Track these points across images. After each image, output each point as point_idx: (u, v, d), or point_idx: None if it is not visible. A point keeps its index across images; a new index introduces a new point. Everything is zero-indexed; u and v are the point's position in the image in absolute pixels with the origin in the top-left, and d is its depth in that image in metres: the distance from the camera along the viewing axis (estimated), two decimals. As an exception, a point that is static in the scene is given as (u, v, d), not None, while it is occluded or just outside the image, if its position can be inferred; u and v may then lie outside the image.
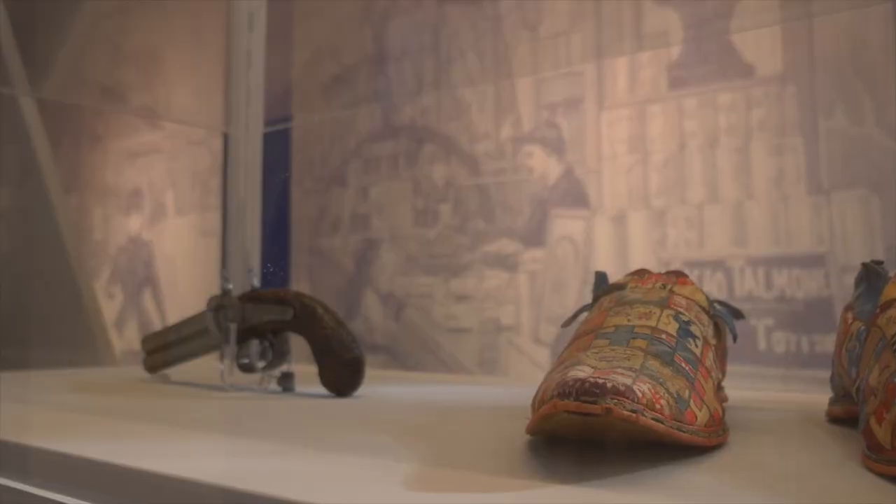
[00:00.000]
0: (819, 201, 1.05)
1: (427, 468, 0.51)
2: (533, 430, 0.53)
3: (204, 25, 1.56)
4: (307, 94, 1.63)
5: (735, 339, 0.69)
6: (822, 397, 0.73)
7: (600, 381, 0.47)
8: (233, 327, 0.95)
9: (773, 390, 1.01)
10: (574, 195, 1.31)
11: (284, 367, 0.94)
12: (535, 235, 1.33)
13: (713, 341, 0.63)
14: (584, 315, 0.69)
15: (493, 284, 1.37)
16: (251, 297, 0.96)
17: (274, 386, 0.94)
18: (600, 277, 0.71)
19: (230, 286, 0.98)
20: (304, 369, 0.93)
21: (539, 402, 0.51)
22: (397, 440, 0.62)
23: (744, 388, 0.92)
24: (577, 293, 1.30)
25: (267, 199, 1.36)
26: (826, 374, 0.73)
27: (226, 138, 1.37)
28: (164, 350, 1.07)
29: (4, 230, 1.74)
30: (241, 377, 0.97)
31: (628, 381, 0.48)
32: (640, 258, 1.23)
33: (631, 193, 1.24)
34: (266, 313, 0.93)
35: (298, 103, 1.64)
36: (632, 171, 1.24)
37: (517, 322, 1.34)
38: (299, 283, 1.69)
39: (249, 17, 1.35)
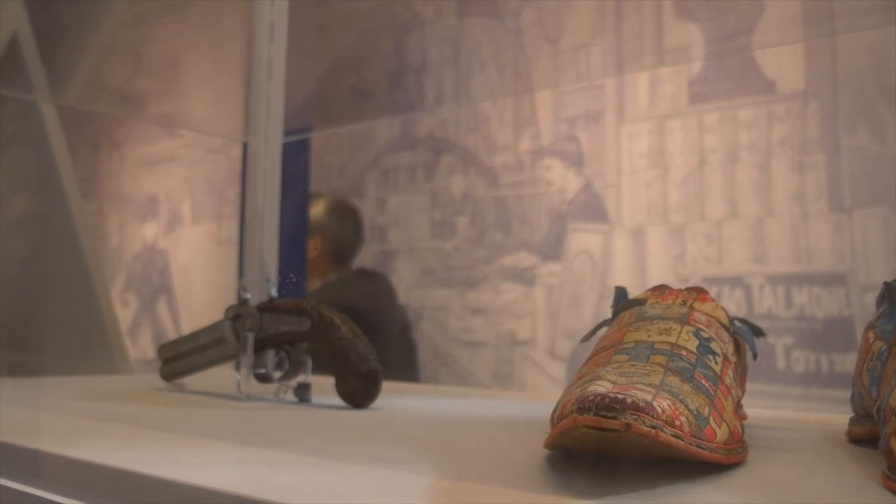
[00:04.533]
0: (840, 219, 1.05)
1: (444, 481, 0.51)
2: (551, 445, 0.52)
3: (224, 35, 1.57)
4: (327, 105, 1.63)
5: (755, 356, 0.68)
6: (841, 417, 0.72)
7: (620, 396, 0.47)
8: (250, 337, 0.95)
9: (792, 409, 1.00)
10: (593, 209, 1.31)
11: (301, 378, 0.94)
12: (553, 249, 1.33)
13: (733, 359, 0.63)
14: (604, 330, 0.68)
15: (510, 298, 1.37)
16: (269, 307, 0.96)
17: (290, 396, 0.94)
18: (620, 293, 0.71)
19: (248, 296, 0.98)
20: (321, 380, 0.93)
21: (558, 416, 0.51)
22: (414, 453, 0.62)
23: (763, 406, 0.91)
24: (594, 308, 1.30)
25: (285, 209, 1.36)
26: (845, 393, 0.73)
27: (245, 147, 1.37)
28: (180, 359, 1.07)
29: (23, 235, 1.74)
30: (257, 387, 0.97)
31: (648, 397, 0.48)
32: (659, 274, 1.22)
33: (650, 208, 1.24)
34: (284, 324, 0.94)
35: (318, 114, 1.64)
36: (651, 186, 1.24)
37: (533, 336, 1.34)
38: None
39: (271, 27, 1.36)
